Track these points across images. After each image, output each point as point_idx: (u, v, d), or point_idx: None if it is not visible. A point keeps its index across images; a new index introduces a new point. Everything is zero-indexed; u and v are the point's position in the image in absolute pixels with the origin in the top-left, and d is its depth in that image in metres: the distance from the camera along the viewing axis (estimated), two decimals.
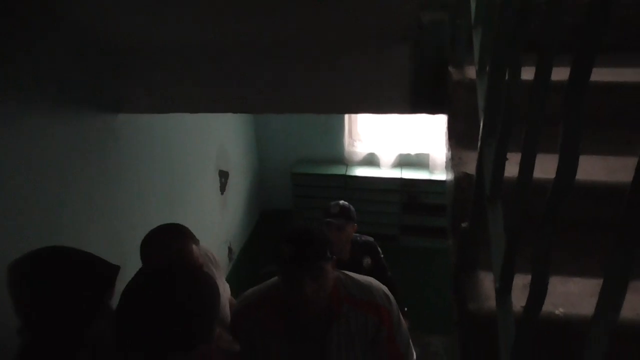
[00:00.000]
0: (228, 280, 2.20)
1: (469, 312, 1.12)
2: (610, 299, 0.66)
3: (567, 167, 0.71)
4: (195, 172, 3.19)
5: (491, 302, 1.12)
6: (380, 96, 1.87)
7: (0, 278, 1.24)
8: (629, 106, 1.43)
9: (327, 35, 1.78)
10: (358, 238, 2.82)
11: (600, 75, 1.28)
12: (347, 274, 1.65)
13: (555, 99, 0.84)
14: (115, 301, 1.30)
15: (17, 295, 1.19)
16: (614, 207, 1.23)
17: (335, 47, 1.83)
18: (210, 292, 1.05)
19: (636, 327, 1.04)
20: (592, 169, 1.30)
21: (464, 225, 1.21)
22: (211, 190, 3.50)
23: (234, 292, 2.11)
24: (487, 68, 1.09)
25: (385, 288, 1.65)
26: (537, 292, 0.80)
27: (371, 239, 2.85)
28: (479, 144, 1.09)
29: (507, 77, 0.97)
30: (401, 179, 4.24)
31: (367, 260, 2.77)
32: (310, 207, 4.52)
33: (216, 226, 3.57)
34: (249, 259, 4.16)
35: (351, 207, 2.70)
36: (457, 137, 1.51)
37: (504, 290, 0.91)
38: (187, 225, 1.70)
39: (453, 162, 1.40)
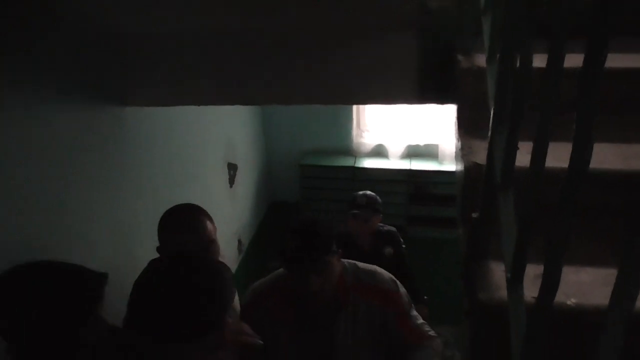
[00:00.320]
0: (237, 272, 2.21)
1: (479, 301, 1.11)
2: (625, 287, 0.65)
3: (582, 154, 0.69)
4: (204, 165, 3.19)
5: (502, 292, 1.11)
6: (387, 86, 1.85)
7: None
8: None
9: (333, 24, 1.76)
10: (381, 227, 2.84)
11: (613, 60, 1.26)
12: (350, 262, 1.65)
13: (566, 85, 0.83)
14: (114, 301, 1.32)
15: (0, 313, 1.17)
16: (628, 194, 1.22)
17: (341, 36, 1.81)
18: (222, 279, 1.05)
19: None
20: (604, 156, 1.27)
21: (474, 215, 1.19)
22: (220, 183, 3.51)
23: (244, 284, 2.12)
24: (497, 55, 1.07)
25: (390, 275, 1.65)
26: (550, 280, 0.79)
27: (394, 228, 2.86)
28: (489, 132, 1.07)
29: (518, 64, 0.95)
30: (410, 170, 4.22)
31: (388, 250, 2.79)
32: (318, 198, 4.52)
33: (226, 219, 3.58)
34: (258, 251, 4.17)
35: (377, 198, 2.73)
36: (466, 126, 1.49)
37: (515, 279, 0.90)
38: None
39: (463, 151, 1.39)
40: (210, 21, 1.83)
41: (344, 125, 4.38)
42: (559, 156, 0.93)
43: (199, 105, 2.14)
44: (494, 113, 1.05)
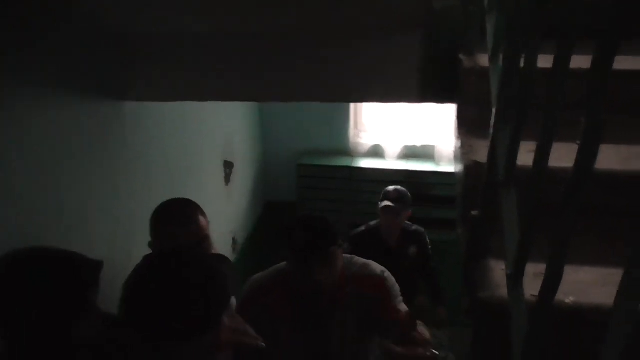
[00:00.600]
0: None
1: (480, 300, 1.11)
2: (631, 287, 0.64)
3: (588, 155, 0.69)
4: (201, 162, 3.18)
5: (502, 291, 1.11)
6: (389, 84, 1.85)
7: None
8: None
9: (334, 22, 1.76)
10: (409, 226, 2.87)
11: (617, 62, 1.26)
12: (347, 257, 1.67)
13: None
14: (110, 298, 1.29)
15: None
16: (628, 195, 1.22)
17: (343, 35, 1.81)
18: (218, 273, 1.03)
19: None
20: (604, 157, 1.28)
21: (474, 213, 1.20)
22: (216, 180, 3.50)
23: (240, 284, 2.11)
24: (501, 53, 1.08)
25: (382, 267, 1.68)
26: (553, 278, 0.79)
27: (422, 229, 2.89)
28: (491, 130, 1.07)
29: (522, 61, 0.95)
30: (407, 171, 4.23)
31: (413, 249, 2.83)
32: (315, 198, 4.52)
33: (221, 217, 3.57)
34: (254, 251, 4.16)
35: (407, 193, 2.76)
36: (467, 126, 1.49)
37: (516, 276, 0.90)
38: None
39: (463, 150, 1.39)
40: (210, 21, 1.83)
41: (342, 125, 4.38)
42: (560, 156, 0.93)
43: (197, 101, 2.14)
44: (496, 110, 1.05)
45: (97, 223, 2.00)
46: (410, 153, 4.37)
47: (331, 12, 1.72)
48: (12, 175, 1.54)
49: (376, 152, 4.41)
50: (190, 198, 1.76)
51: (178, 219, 1.56)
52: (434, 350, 1.64)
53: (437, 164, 4.25)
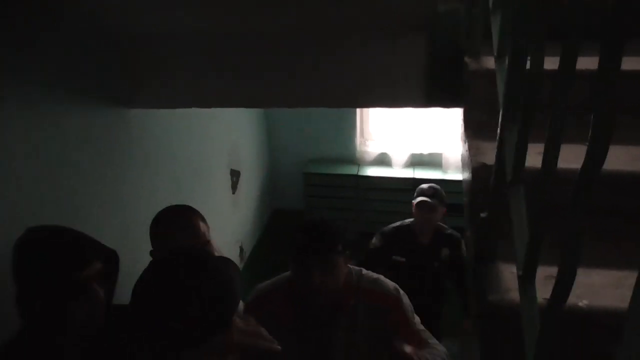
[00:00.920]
0: None
1: (490, 304, 1.09)
2: None
3: (597, 155, 0.68)
4: (207, 171, 3.18)
5: (512, 294, 1.09)
6: (394, 89, 1.84)
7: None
8: None
9: (339, 27, 1.76)
10: (444, 229, 2.83)
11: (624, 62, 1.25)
12: (354, 267, 1.63)
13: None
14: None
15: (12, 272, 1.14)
16: (637, 196, 1.20)
17: (348, 39, 1.81)
18: (227, 275, 1.00)
19: None
20: (613, 157, 1.25)
21: (482, 215, 1.17)
22: (222, 189, 3.49)
23: (245, 292, 2.10)
24: (507, 51, 1.06)
25: (394, 284, 1.62)
26: (566, 280, 0.76)
27: (458, 234, 2.82)
28: (498, 129, 1.05)
29: (529, 58, 0.94)
30: (414, 179, 4.20)
31: (445, 252, 2.77)
32: (321, 207, 4.51)
33: (227, 226, 3.56)
34: (260, 260, 4.14)
35: (442, 190, 2.75)
36: (473, 128, 1.48)
37: (527, 278, 0.88)
38: None
39: (470, 152, 1.37)
40: (213, 23, 1.83)
41: (348, 133, 4.38)
42: (569, 157, 0.91)
43: (202, 108, 2.13)
44: (503, 109, 1.04)
45: (103, 230, 1.99)
46: (417, 161, 4.35)
47: (334, 15, 1.72)
48: (18, 182, 1.54)
49: (383, 160, 4.40)
50: (197, 206, 1.74)
51: (177, 225, 1.54)
52: None
53: (445, 171, 4.22)
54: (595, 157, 0.68)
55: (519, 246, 0.90)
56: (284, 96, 2.00)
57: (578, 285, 1.11)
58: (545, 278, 0.98)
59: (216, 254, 1.60)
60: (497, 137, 1.08)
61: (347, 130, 4.35)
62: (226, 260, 1.05)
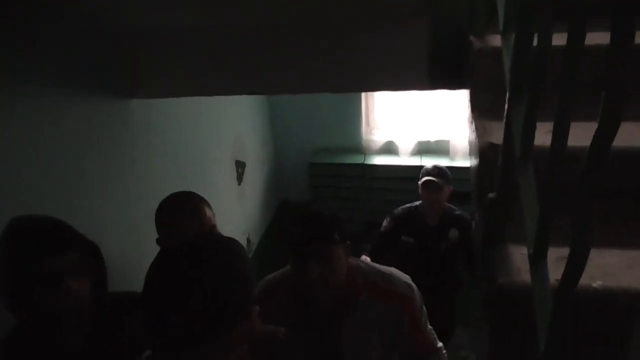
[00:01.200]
0: None
1: (499, 286, 1.06)
2: None
3: (606, 133, 0.64)
4: (211, 162, 3.16)
5: (522, 276, 1.05)
6: (398, 72, 1.80)
7: None
8: None
9: (341, 9, 1.71)
10: (452, 210, 2.84)
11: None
12: (367, 263, 1.59)
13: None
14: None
15: None
16: None
17: (349, 23, 1.77)
18: (244, 263, 0.94)
19: None
20: (629, 135, 1.21)
21: (490, 195, 1.14)
22: (228, 180, 3.47)
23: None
24: (514, 25, 1.02)
25: (407, 278, 1.58)
26: (577, 257, 0.73)
27: (467, 215, 2.82)
28: (506, 105, 1.02)
29: (536, 30, 0.90)
30: (421, 167, 4.15)
31: (453, 232, 2.78)
32: (328, 197, 4.48)
33: (234, 217, 3.54)
34: (268, 251, 4.13)
35: (447, 169, 2.79)
36: (480, 109, 1.44)
37: (538, 256, 0.84)
38: None
39: (477, 133, 1.33)
40: (218, 11, 1.79)
41: (354, 122, 4.33)
42: (581, 135, 0.87)
43: (205, 96, 2.10)
44: (511, 86, 1.00)
45: (107, 222, 1.98)
46: (424, 149, 4.30)
47: (339, 0, 1.68)
48: (20, 175, 1.53)
49: (389, 148, 4.35)
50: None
51: (182, 213, 1.52)
52: None
53: (452, 159, 4.17)
54: (604, 135, 0.65)
55: (529, 224, 0.86)
56: (286, 82, 1.97)
57: (591, 266, 1.07)
58: (557, 259, 0.94)
59: None
60: (505, 114, 1.04)
61: (353, 119, 4.31)
62: (231, 241, 0.98)
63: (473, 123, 1.42)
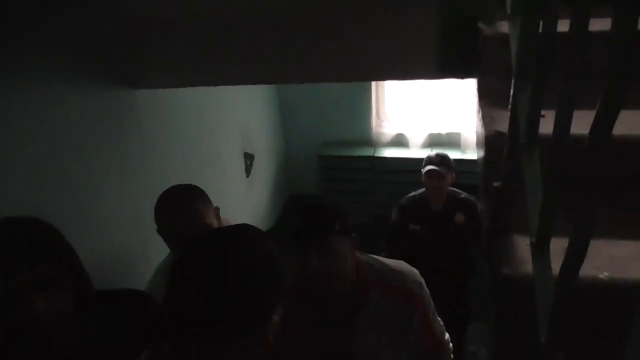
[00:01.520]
0: None
1: (503, 276, 1.04)
2: None
3: (606, 121, 0.62)
4: (219, 154, 3.16)
5: (527, 266, 1.03)
6: (406, 60, 1.77)
7: None
8: None
9: None
10: (457, 194, 2.86)
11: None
12: (377, 259, 1.56)
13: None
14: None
15: None
16: None
17: (358, 10, 1.74)
18: (275, 258, 0.89)
19: None
20: (636, 123, 1.18)
21: (496, 184, 1.12)
22: (236, 172, 3.47)
23: None
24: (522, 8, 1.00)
25: (416, 273, 1.55)
26: (576, 245, 0.71)
27: (472, 198, 2.84)
28: (512, 91, 0.99)
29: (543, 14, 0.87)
30: None
31: (459, 216, 2.79)
32: (338, 190, 4.46)
33: (242, 210, 3.54)
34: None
35: (449, 157, 2.81)
36: (488, 97, 1.41)
37: (541, 245, 0.82)
38: None
39: (484, 121, 1.31)
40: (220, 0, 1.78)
41: (363, 115, 4.31)
42: (587, 123, 0.85)
43: (212, 86, 2.09)
44: (516, 70, 0.97)
45: (112, 211, 1.98)
46: (435, 141, 4.26)
47: None
48: (24, 167, 1.53)
49: (399, 141, 4.32)
50: (209, 189, 1.69)
51: (173, 206, 1.50)
52: None
53: (463, 151, 4.13)
54: (603, 122, 0.63)
55: (533, 212, 0.84)
56: (293, 72, 1.95)
57: (598, 257, 1.05)
58: (563, 250, 0.92)
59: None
60: (510, 101, 1.02)
61: (363, 111, 4.28)
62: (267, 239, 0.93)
63: (480, 112, 1.39)
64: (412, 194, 3.00)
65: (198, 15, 1.87)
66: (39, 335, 1.06)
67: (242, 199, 3.56)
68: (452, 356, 1.67)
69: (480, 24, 1.50)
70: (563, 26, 0.85)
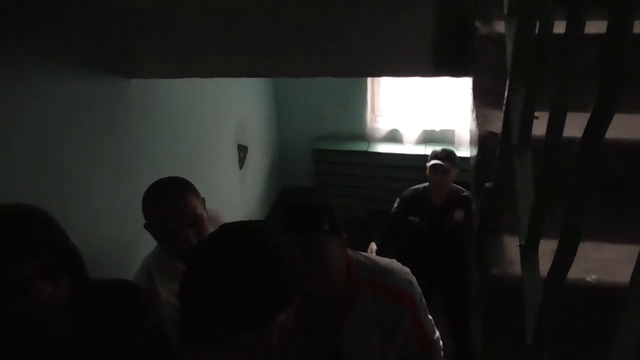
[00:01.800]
0: None
1: (493, 277, 1.04)
2: None
3: (598, 122, 0.62)
4: (213, 145, 3.14)
5: (516, 267, 1.03)
6: (401, 57, 1.76)
7: None
8: None
9: None
10: (460, 191, 2.89)
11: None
12: (367, 257, 1.55)
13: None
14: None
15: None
16: None
17: (353, 6, 1.73)
18: (285, 257, 0.91)
19: None
20: (629, 126, 1.18)
21: (487, 185, 1.12)
22: (229, 164, 3.46)
23: None
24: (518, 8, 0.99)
25: (408, 272, 1.55)
26: (565, 248, 0.71)
27: None
28: (506, 91, 0.99)
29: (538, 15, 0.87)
30: (425, 156, 4.12)
31: (459, 213, 2.83)
32: (331, 184, 4.46)
33: (235, 201, 3.53)
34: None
35: (455, 153, 2.86)
36: (482, 96, 1.41)
37: (530, 247, 0.82)
38: None
39: (478, 121, 1.30)
40: None
41: (358, 109, 4.30)
42: (581, 126, 0.85)
43: (205, 77, 2.08)
44: (511, 70, 0.97)
45: (104, 204, 1.97)
46: (429, 138, 4.27)
47: None
48: (15, 156, 1.52)
49: (394, 136, 4.32)
50: (202, 180, 1.69)
51: (164, 200, 1.46)
52: None
53: (457, 148, 4.12)
54: (597, 125, 0.63)
55: (522, 214, 0.84)
56: (288, 65, 1.93)
57: (588, 260, 1.05)
58: (552, 252, 0.92)
59: (207, 230, 1.52)
60: (504, 101, 1.01)
61: (357, 106, 4.27)
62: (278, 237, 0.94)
63: (474, 111, 1.39)
64: (415, 186, 3.04)
65: (193, 5, 1.85)
66: (37, 324, 1.06)
67: (234, 191, 3.55)
68: (442, 354, 1.67)
69: (477, 23, 1.49)
70: (559, 28, 0.85)
